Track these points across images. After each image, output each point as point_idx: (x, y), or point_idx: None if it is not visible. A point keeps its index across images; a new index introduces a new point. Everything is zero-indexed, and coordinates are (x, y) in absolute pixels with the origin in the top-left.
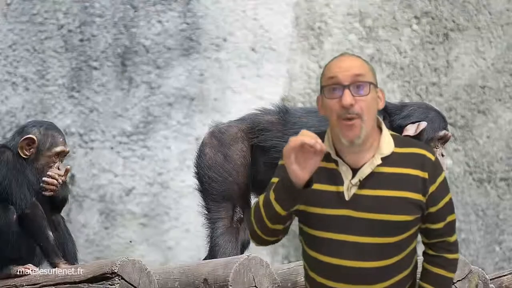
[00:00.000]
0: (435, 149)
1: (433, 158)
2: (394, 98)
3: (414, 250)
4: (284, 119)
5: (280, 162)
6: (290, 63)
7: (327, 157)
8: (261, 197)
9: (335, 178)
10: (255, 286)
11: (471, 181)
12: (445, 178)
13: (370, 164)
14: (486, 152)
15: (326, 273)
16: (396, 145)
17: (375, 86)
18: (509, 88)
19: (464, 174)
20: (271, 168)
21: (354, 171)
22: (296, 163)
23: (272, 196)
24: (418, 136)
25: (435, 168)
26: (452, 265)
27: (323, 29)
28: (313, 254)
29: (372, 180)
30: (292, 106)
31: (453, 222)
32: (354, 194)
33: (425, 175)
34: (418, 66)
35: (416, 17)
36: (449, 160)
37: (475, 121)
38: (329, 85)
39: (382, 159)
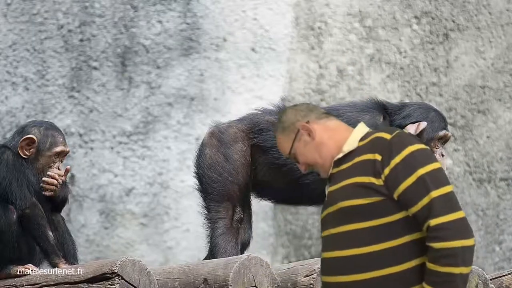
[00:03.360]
0: (435, 149)
1: (388, 137)
2: (394, 98)
3: (405, 247)
4: None
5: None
6: (290, 63)
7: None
8: None
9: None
10: (255, 286)
11: (471, 181)
12: (408, 156)
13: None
14: (486, 152)
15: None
16: (362, 139)
17: (296, 135)
18: (509, 88)
19: (464, 174)
20: (271, 168)
21: None
22: None
23: None
24: (418, 136)
25: (391, 148)
26: (443, 257)
27: (323, 29)
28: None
29: (336, 177)
30: None
31: (432, 202)
32: (328, 193)
33: (376, 156)
34: (418, 66)
35: (416, 17)
36: (449, 160)
37: (475, 121)
38: None
39: (346, 155)
